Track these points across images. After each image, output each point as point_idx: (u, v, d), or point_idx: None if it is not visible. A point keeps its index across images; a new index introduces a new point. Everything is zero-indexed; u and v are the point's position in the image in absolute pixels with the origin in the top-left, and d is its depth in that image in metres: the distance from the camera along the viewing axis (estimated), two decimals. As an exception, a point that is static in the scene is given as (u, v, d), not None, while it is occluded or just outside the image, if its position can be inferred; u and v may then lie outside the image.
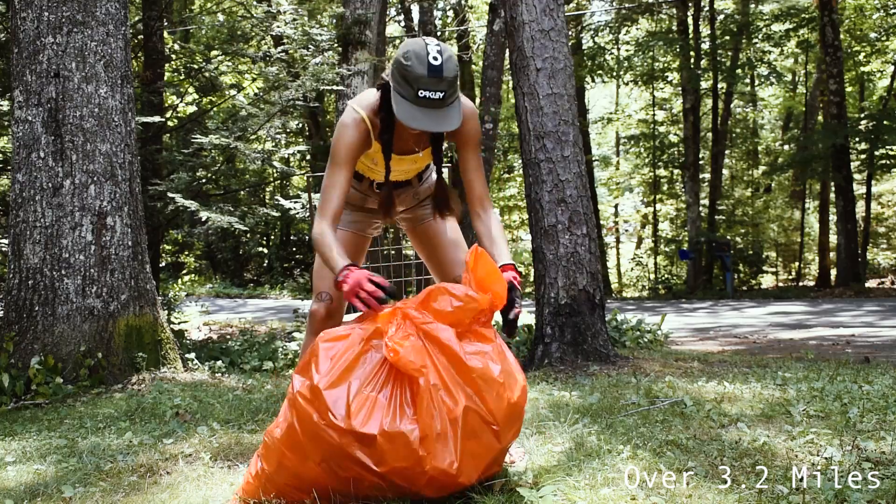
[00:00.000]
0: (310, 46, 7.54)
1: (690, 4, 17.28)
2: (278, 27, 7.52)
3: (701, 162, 18.34)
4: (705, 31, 18.26)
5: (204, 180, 7.59)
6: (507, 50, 6.19)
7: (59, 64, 4.14)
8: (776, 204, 20.91)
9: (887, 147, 14.84)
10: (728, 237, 17.98)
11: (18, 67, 4.19)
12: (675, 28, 18.02)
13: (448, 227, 2.62)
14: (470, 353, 1.98)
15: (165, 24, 9.53)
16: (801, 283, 18.56)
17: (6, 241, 5.05)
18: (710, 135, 18.93)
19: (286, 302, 15.74)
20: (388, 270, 3.39)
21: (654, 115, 21.93)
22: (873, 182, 17.97)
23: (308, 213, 6.93)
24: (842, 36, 15.50)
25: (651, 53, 18.71)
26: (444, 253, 2.61)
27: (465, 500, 1.95)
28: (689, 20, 17.28)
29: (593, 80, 19.58)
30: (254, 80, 9.94)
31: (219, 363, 5.03)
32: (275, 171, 8.38)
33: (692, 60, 16.90)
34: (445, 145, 2.48)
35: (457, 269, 2.54)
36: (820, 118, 17.73)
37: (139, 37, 8.05)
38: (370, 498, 1.93)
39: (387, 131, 2.30)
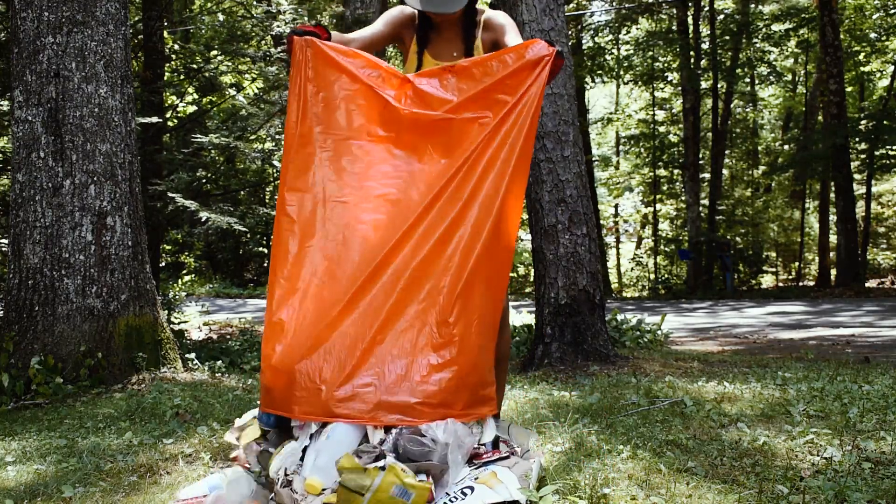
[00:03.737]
0: (310, 46, 7.53)
1: (690, 4, 17.27)
2: (278, 27, 7.52)
3: (701, 162, 18.33)
4: (705, 31, 18.26)
5: (204, 180, 7.59)
6: (507, 50, 6.18)
7: (59, 64, 4.14)
8: (776, 204, 20.89)
9: (887, 147, 14.82)
10: (728, 237, 17.97)
11: (18, 67, 4.19)
12: (675, 28, 18.01)
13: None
14: None
15: (165, 24, 9.53)
16: (801, 283, 18.55)
17: (6, 241, 5.05)
18: (710, 135, 18.92)
19: (286, 302, 15.68)
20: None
21: (654, 115, 21.91)
22: (873, 182, 17.96)
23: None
24: (842, 36, 15.49)
25: (651, 53, 18.70)
26: None
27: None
28: (689, 20, 17.27)
29: (593, 80, 19.57)
30: (254, 79, 9.94)
31: (219, 363, 5.03)
32: (275, 170, 8.37)
33: (692, 60, 16.89)
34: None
35: None
36: (820, 118, 17.72)
37: (139, 37, 8.05)
38: None
39: (422, 28, 2.50)
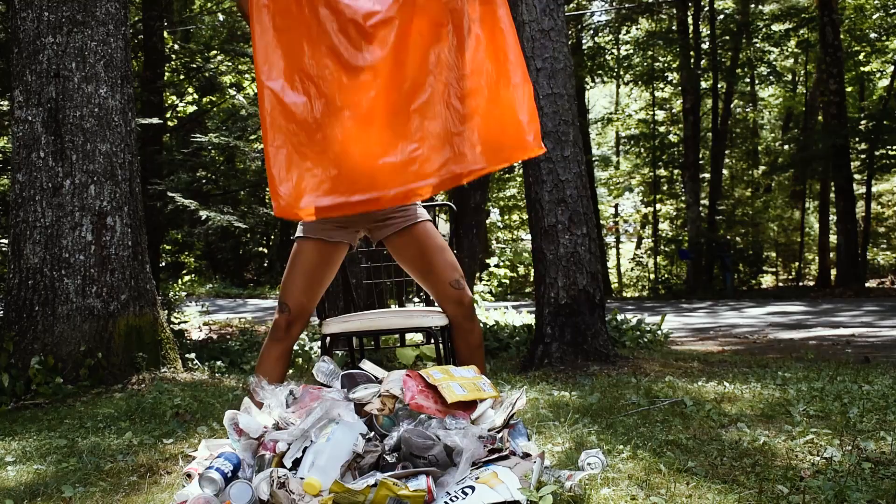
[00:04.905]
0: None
1: (690, 4, 17.27)
2: (278, 27, 7.51)
3: (701, 162, 18.33)
4: (705, 31, 18.26)
5: (204, 180, 7.59)
6: (507, 50, 6.16)
7: (59, 64, 4.14)
8: (776, 204, 20.88)
9: (887, 147, 14.82)
10: (728, 237, 17.97)
11: (18, 67, 4.19)
12: (675, 28, 18.01)
13: (431, 232, 2.58)
14: None
15: (165, 24, 9.53)
16: (801, 283, 18.55)
17: (6, 241, 5.05)
18: (710, 135, 18.92)
19: (286, 302, 15.69)
20: (389, 270, 3.38)
21: (654, 115, 21.91)
22: (873, 182, 17.96)
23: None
24: (842, 36, 15.48)
25: (651, 53, 18.70)
26: (436, 258, 2.54)
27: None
28: (689, 20, 17.27)
29: (593, 80, 19.58)
30: (254, 79, 9.94)
31: (219, 363, 5.04)
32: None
33: (692, 60, 16.90)
34: None
35: (450, 272, 2.52)
36: (820, 118, 17.71)
37: (139, 37, 8.06)
38: None
39: None
